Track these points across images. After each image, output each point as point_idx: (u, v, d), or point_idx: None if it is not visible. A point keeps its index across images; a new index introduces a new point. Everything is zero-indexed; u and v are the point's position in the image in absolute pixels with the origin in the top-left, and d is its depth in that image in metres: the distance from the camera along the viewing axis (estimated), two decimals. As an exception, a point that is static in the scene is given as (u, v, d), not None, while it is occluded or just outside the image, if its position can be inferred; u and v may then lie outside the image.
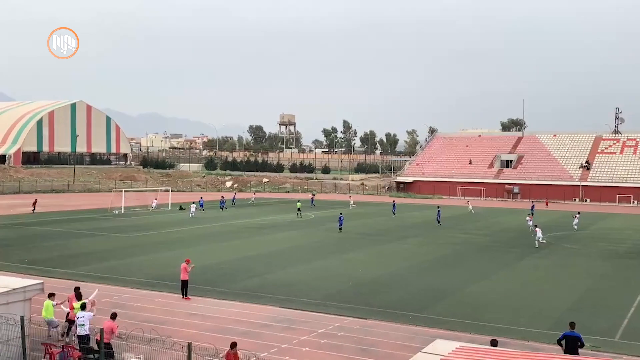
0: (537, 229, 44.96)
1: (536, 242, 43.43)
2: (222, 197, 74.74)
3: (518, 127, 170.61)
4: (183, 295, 25.96)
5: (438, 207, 65.73)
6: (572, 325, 17.33)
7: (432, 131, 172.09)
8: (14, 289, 17.56)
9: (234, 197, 79.38)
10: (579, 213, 59.04)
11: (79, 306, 18.92)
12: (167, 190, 77.92)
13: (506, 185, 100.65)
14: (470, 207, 51.59)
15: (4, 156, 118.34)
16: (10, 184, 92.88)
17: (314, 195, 76.03)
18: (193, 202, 64.52)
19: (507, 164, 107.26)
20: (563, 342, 16.84)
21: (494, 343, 15.52)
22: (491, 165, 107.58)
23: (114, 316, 18.50)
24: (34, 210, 62.48)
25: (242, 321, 22.89)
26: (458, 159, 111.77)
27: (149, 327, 20.12)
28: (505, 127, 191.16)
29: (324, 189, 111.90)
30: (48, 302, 19.87)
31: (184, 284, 26.04)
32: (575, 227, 54.62)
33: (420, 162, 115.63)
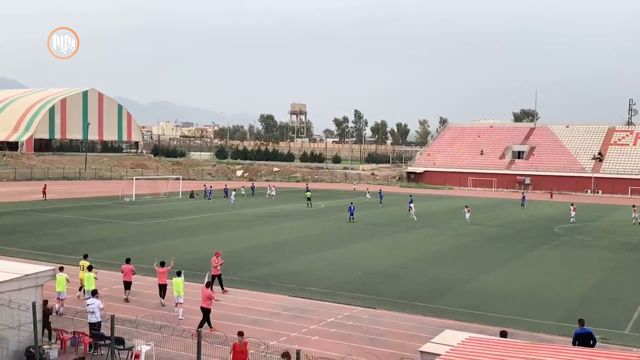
0: (467, 208, 46.47)
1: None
2: (211, 186, 72.81)
3: (530, 118, 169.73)
4: (222, 289, 25.16)
5: (410, 195, 64.28)
6: (581, 322, 16.87)
7: (443, 121, 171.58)
8: (26, 275, 17.70)
9: (252, 187, 77.69)
10: (572, 204, 57.67)
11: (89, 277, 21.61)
12: (178, 179, 78.15)
13: (517, 177, 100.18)
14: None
15: (16, 143, 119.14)
16: (22, 171, 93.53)
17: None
18: (234, 190, 67.34)
19: (519, 155, 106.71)
20: (576, 342, 16.21)
21: (503, 334, 15.49)
22: (502, 156, 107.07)
23: (128, 260, 24.49)
24: (44, 197, 62.86)
25: (251, 309, 23.00)
26: (469, 150, 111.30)
27: (159, 315, 20.25)
28: (518, 118, 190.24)
29: (334, 178, 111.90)
30: (61, 277, 21.62)
31: (218, 278, 25.10)
32: (573, 220, 53.31)
33: (431, 152, 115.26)
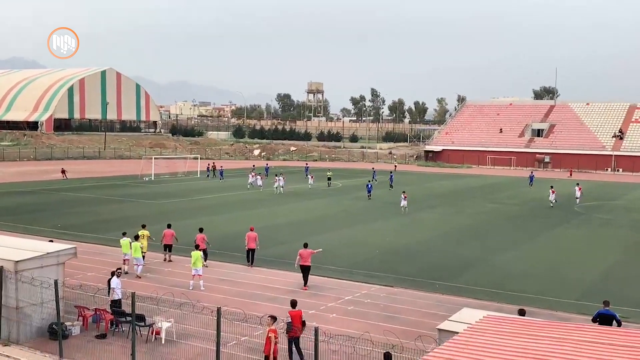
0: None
1: (402, 209, 43.42)
2: (215, 165, 71.63)
3: (550, 95, 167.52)
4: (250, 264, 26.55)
5: (391, 172, 65.75)
6: (606, 303, 16.74)
7: (461, 99, 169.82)
8: (48, 253, 17.97)
9: (267, 167, 76.88)
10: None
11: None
12: (195, 158, 78.50)
13: (537, 155, 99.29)
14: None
15: (36, 123, 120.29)
16: (42, 151, 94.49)
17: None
18: (259, 173, 61.54)
19: (538, 132, 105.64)
20: (597, 321, 16.21)
21: (521, 312, 15.47)
22: (522, 134, 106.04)
23: (169, 225, 27.48)
24: (65, 177, 63.47)
25: (269, 287, 23.17)
26: (488, 128, 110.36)
27: (179, 292, 20.49)
28: (538, 95, 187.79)
29: (352, 157, 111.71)
30: (125, 241, 24.69)
31: (251, 253, 26.66)
32: (553, 202, 48.48)
33: (449, 130, 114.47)
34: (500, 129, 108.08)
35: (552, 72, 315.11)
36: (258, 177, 59.60)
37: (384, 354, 13.12)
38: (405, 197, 44.16)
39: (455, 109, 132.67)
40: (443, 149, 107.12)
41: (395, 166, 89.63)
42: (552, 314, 19.97)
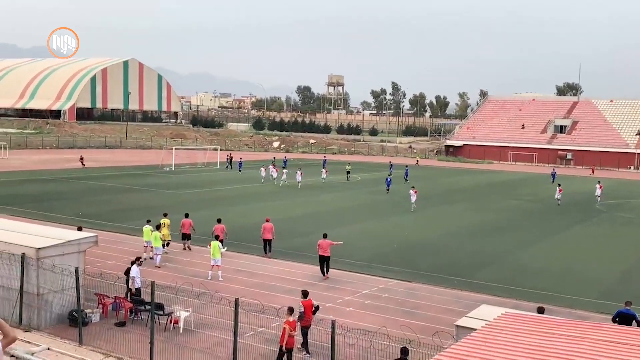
0: (412, 190, 43.03)
1: (412, 205, 42.14)
2: (232, 156, 71.68)
3: (574, 91, 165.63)
4: (266, 253, 26.97)
5: (406, 166, 66.04)
6: (628, 303, 16.59)
7: (483, 94, 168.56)
8: (69, 241, 18.18)
9: (285, 159, 75.56)
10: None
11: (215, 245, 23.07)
12: (215, 149, 78.81)
13: (559, 151, 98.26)
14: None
15: (59, 112, 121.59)
16: (65, 139, 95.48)
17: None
18: (271, 165, 60.43)
19: (561, 129, 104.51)
20: (617, 320, 16.07)
21: (540, 310, 15.36)
22: (544, 131, 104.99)
23: (187, 215, 27.81)
24: (83, 166, 63.64)
25: (286, 279, 23.25)
26: (510, 123, 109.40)
27: (197, 282, 20.63)
28: (561, 91, 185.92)
29: (371, 151, 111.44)
30: (147, 228, 25.29)
31: (268, 244, 27.00)
32: (559, 200, 47.45)
33: (471, 125, 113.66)
34: (523, 125, 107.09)
35: (576, 68, 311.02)
36: (273, 169, 58.39)
37: (401, 348, 13.10)
38: (415, 193, 42.77)
39: (477, 104, 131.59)
40: (464, 144, 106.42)
41: (417, 161, 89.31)
42: (570, 312, 19.80)
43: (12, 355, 14.61)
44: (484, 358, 8.62)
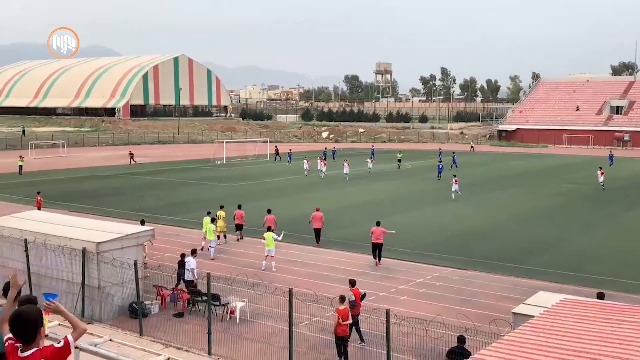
0: (455, 179, 41.25)
1: (452, 194, 40.27)
2: (278, 149, 71.24)
3: (630, 71, 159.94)
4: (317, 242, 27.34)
5: (453, 152, 64.32)
6: None
7: (536, 77, 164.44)
8: (128, 235, 18.67)
9: (334, 150, 74.74)
10: (600, 167, 51.39)
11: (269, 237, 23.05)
12: (265, 141, 79.47)
13: (616, 133, 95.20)
14: None
15: (113, 109, 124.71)
16: (120, 136, 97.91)
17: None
18: (318, 158, 57.61)
19: (617, 110, 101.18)
20: None
21: (600, 296, 14.99)
22: (600, 112, 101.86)
23: (240, 206, 28.67)
24: (133, 162, 63.54)
25: (339, 269, 23.31)
26: (564, 106, 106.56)
27: (251, 273, 20.91)
28: (616, 71, 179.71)
29: (421, 138, 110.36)
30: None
31: (317, 233, 27.42)
32: (602, 185, 45.33)
33: (523, 109, 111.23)
34: (577, 107, 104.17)
35: (632, 46, 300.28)
36: (321, 162, 55.36)
37: (458, 337, 12.99)
38: (456, 182, 41.01)
39: (530, 87, 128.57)
40: (517, 128, 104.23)
41: (472, 147, 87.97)
42: (630, 297, 19.24)
43: (76, 347, 15.11)
44: (543, 345, 8.46)
